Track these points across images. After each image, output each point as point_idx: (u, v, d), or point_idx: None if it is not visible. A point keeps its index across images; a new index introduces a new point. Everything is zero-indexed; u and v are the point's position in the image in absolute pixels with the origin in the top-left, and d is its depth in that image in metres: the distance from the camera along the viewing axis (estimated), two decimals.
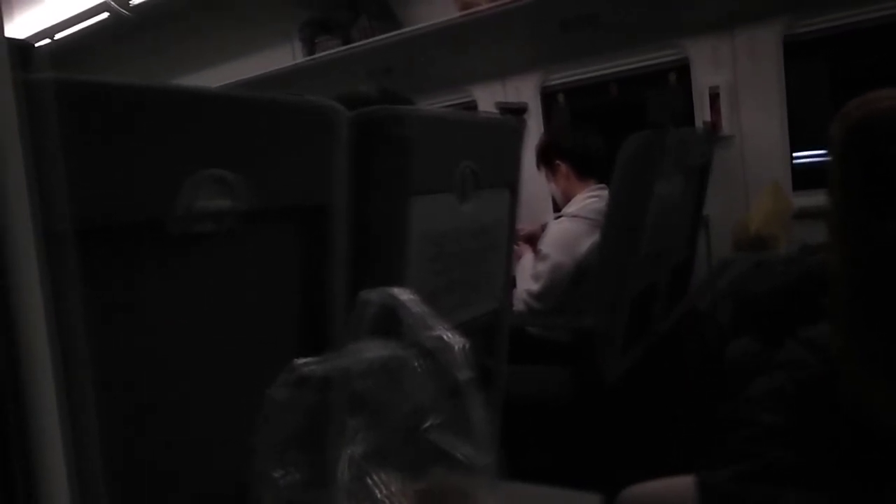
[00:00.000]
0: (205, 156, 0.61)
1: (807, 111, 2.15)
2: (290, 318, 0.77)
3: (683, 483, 1.01)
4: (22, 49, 0.44)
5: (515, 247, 1.89)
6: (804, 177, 2.12)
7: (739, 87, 2.16)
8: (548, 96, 2.65)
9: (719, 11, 2.10)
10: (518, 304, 1.82)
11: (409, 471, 0.51)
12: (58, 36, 2.88)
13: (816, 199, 1.80)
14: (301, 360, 0.50)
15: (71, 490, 0.34)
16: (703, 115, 2.20)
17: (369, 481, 0.48)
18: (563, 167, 2.00)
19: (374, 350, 0.51)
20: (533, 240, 2.03)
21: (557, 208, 2.09)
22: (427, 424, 0.51)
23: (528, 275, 1.87)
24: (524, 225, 2.20)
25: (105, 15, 2.67)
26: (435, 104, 2.75)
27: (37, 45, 2.84)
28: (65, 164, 0.43)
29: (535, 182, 2.16)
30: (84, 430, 0.38)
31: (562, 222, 1.91)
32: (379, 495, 0.48)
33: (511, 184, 1.16)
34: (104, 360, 0.53)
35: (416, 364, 0.51)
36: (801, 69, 2.13)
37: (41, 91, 0.42)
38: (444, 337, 0.51)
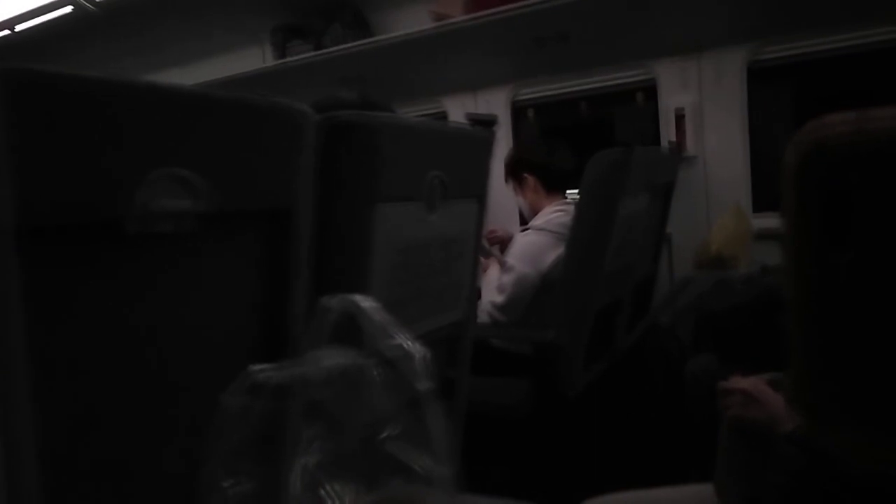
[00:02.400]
0: (166, 154, 0.59)
1: (769, 135, 2.21)
2: (249, 323, 0.75)
3: (643, 496, 1.02)
4: None
5: (482, 258, 1.89)
6: (764, 199, 2.18)
7: (704, 109, 2.21)
8: (518, 111, 2.67)
9: (687, 36, 2.15)
10: (482, 316, 1.82)
11: (365, 482, 0.50)
12: (18, 28, 2.79)
13: (776, 221, 1.85)
14: (256, 367, 0.48)
15: (1, 495, 0.32)
16: (668, 135, 2.25)
17: (322, 492, 0.47)
18: (530, 180, 2.02)
19: (332, 358, 0.50)
20: (502, 244, 2.04)
21: (525, 221, 2.11)
22: (385, 435, 0.50)
23: (494, 286, 1.87)
24: (496, 227, 2.21)
25: (69, 9, 2.60)
26: (406, 113, 2.75)
27: None
28: (12, 157, 0.41)
29: (502, 194, 2.17)
30: (20, 437, 0.36)
31: (528, 235, 1.92)
32: None
33: (479, 195, 1.16)
34: (49, 364, 0.51)
35: (375, 373, 0.50)
36: (764, 94, 2.19)
37: None
38: (405, 346, 0.50)
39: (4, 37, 2.81)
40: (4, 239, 0.37)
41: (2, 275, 0.37)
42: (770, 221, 2.02)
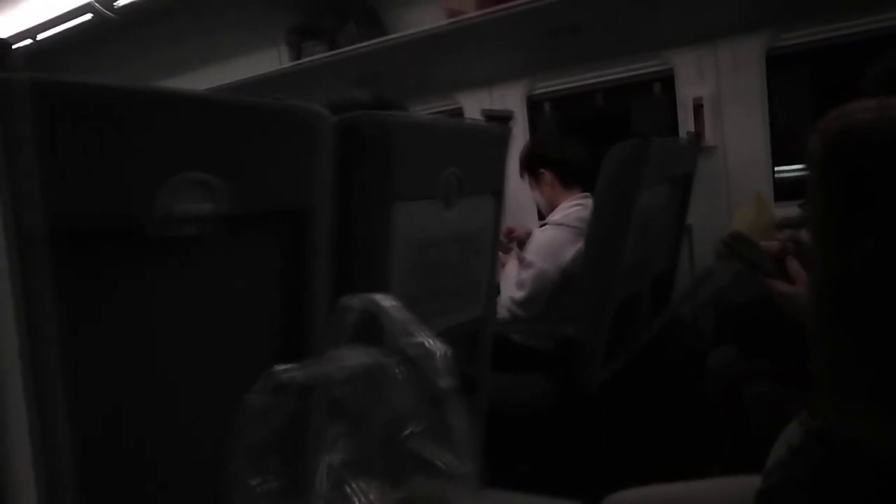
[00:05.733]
0: (186, 159, 0.60)
1: (789, 123, 2.18)
2: (270, 323, 0.76)
3: (665, 491, 1.01)
4: None
5: (500, 254, 1.89)
6: (786, 188, 2.15)
7: (723, 98, 2.18)
8: (534, 105, 2.66)
9: (703, 24, 2.13)
10: (502, 312, 1.82)
11: (389, 479, 0.50)
12: (40, 37, 2.84)
13: (798, 210, 1.83)
14: (280, 367, 0.49)
15: (38, 493, 0.33)
16: (687, 125, 2.22)
17: (348, 490, 0.47)
18: (547, 175, 2.01)
19: (354, 357, 0.51)
20: (520, 243, 2.04)
21: (543, 217, 2.10)
22: (407, 432, 0.50)
23: (513, 282, 1.87)
24: (515, 226, 2.21)
25: (89, 16, 2.64)
26: (422, 111, 2.75)
27: (16, 45, 2.80)
28: (40, 165, 0.42)
29: (521, 190, 2.17)
30: (55, 436, 0.38)
31: (546, 230, 1.91)
32: None
33: (496, 191, 1.16)
34: (79, 365, 0.52)
35: (397, 371, 0.50)
36: (783, 81, 2.16)
37: (16, 90, 0.42)
38: (426, 344, 0.50)
39: (27, 46, 2.86)
40: (38, 244, 0.38)
41: (37, 278, 0.38)
42: (793, 211, 1.99)
